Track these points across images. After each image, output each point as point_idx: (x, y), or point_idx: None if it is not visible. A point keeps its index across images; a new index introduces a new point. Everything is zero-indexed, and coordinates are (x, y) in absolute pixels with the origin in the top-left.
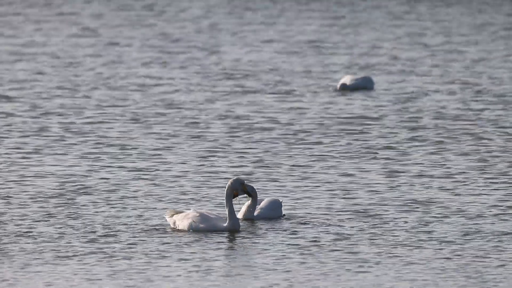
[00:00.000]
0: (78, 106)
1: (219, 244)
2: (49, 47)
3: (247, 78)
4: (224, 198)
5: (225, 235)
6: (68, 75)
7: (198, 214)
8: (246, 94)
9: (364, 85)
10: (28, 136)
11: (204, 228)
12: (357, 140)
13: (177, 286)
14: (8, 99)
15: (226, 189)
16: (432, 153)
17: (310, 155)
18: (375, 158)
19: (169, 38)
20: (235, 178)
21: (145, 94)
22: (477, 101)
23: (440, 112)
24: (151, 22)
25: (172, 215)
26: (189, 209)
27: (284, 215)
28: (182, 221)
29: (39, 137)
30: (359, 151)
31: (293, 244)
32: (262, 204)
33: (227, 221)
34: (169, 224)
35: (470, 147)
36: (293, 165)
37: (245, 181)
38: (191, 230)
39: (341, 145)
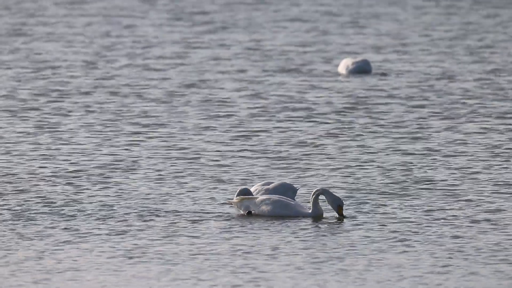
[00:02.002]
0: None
1: (304, 231)
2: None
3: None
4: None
5: (309, 221)
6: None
7: (278, 199)
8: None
9: (364, 68)
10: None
11: (286, 213)
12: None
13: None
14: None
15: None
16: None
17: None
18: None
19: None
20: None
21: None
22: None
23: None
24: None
25: (242, 200)
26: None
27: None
28: (259, 207)
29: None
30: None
31: (376, 230)
32: (271, 186)
33: (311, 207)
34: (238, 210)
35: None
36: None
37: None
38: (271, 216)
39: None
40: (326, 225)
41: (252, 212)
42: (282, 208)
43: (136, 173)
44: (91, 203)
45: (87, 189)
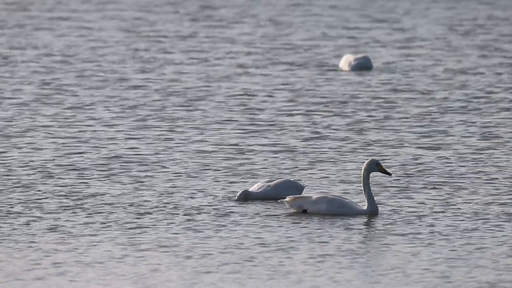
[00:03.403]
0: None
1: (359, 229)
2: None
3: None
4: (361, 181)
5: (364, 219)
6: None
7: (333, 198)
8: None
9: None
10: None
11: (342, 212)
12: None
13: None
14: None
15: (362, 172)
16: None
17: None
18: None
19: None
20: (370, 159)
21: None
22: None
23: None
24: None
25: (295, 199)
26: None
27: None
28: (314, 205)
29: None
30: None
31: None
32: (274, 183)
33: (366, 205)
34: (291, 208)
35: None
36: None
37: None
38: (326, 214)
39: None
40: (382, 222)
41: (307, 210)
42: (338, 206)
43: (171, 168)
44: (121, 195)
45: (120, 183)
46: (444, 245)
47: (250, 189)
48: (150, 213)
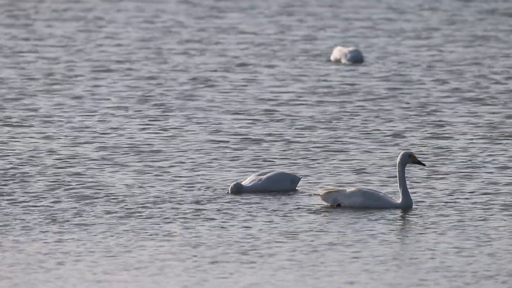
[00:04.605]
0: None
1: (393, 222)
2: None
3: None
4: (397, 175)
5: (398, 212)
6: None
7: (368, 191)
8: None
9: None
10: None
11: (377, 205)
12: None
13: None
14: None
15: (397, 166)
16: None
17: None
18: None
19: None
20: (402, 152)
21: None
22: None
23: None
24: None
25: (329, 193)
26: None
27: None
28: (349, 199)
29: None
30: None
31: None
32: (270, 175)
33: (401, 199)
34: (324, 202)
35: None
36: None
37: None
38: (361, 208)
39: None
40: (416, 216)
41: (341, 204)
42: (373, 199)
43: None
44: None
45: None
46: (491, 240)
47: (243, 183)
48: (150, 205)
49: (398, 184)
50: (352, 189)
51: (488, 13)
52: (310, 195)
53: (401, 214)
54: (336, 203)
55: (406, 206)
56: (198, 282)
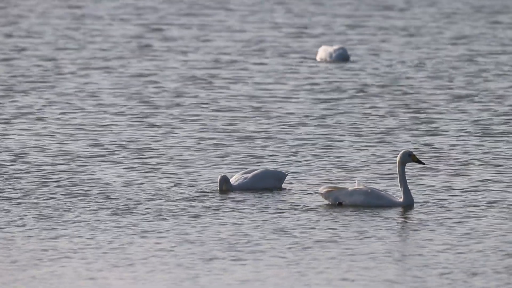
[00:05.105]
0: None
1: (393, 220)
2: None
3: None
4: (397, 173)
5: (404, 211)
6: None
7: (369, 190)
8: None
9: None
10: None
11: (378, 204)
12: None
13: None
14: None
15: (397, 164)
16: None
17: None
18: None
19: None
20: (402, 151)
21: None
22: None
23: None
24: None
25: (330, 191)
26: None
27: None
28: (350, 197)
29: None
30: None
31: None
32: (255, 173)
33: (402, 197)
34: (325, 200)
35: None
36: None
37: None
38: (362, 206)
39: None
40: (422, 214)
41: (343, 203)
42: (375, 198)
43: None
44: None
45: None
46: (489, 238)
47: (231, 180)
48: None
49: (398, 183)
50: (354, 187)
51: (478, 10)
52: (310, 193)
53: (401, 212)
54: (337, 201)
55: (408, 205)
56: (189, 278)
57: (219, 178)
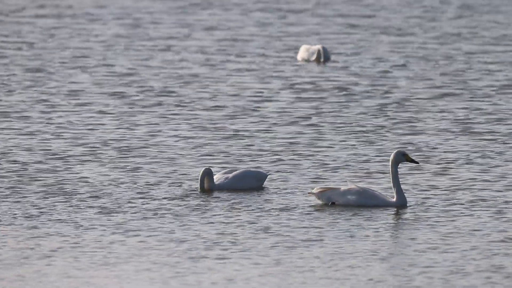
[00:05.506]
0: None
1: (387, 220)
2: None
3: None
4: (390, 173)
5: (392, 210)
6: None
7: (362, 190)
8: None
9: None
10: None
11: (371, 203)
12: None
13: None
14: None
15: (390, 165)
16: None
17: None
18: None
19: None
20: (396, 151)
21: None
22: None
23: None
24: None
25: (323, 191)
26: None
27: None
28: (343, 197)
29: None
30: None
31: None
32: (236, 173)
33: (395, 197)
34: (317, 200)
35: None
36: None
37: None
38: (355, 206)
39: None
40: (412, 214)
41: (336, 203)
42: (369, 198)
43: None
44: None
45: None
46: (475, 237)
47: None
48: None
49: (391, 183)
50: (347, 187)
51: (464, 9)
52: (294, 193)
53: (391, 212)
54: (330, 201)
55: (401, 205)
56: (175, 277)
57: (202, 170)
